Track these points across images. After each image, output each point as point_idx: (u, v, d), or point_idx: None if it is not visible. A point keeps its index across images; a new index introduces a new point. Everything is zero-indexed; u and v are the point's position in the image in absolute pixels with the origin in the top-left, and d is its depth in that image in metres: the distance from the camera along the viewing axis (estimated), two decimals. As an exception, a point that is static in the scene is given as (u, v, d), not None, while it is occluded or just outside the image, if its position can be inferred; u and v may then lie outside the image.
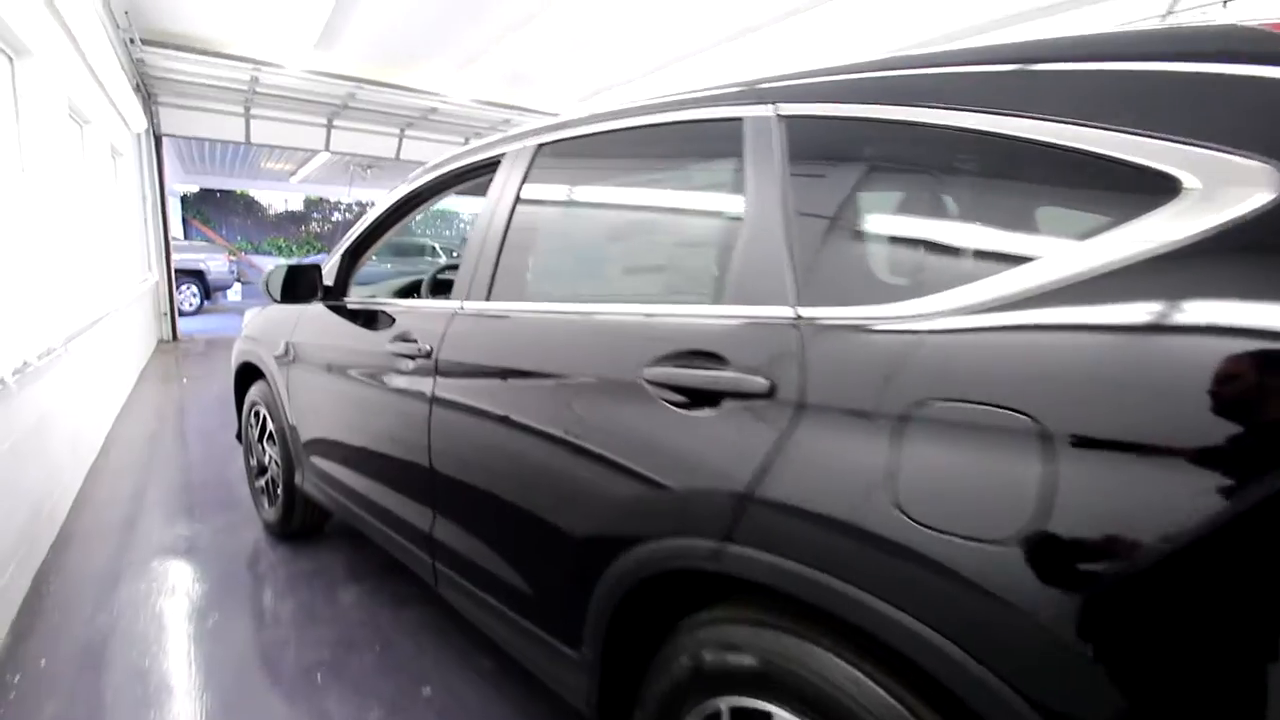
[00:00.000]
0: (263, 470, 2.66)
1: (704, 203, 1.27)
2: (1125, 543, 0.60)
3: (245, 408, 2.74)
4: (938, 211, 0.90)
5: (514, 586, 1.37)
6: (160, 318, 7.72)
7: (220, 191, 17.04)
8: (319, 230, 18.77)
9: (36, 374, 2.42)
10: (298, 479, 2.36)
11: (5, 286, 2.50)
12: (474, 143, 1.81)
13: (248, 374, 2.71)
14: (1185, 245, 0.63)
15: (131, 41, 5.27)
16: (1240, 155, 0.63)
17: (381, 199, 2.14)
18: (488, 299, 1.51)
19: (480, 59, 5.88)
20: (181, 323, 8.33)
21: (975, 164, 0.85)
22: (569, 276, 1.58)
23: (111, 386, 4.37)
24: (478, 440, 1.44)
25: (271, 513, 2.62)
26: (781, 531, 0.85)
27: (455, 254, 13.55)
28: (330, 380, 2.07)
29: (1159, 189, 0.67)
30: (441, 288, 2.73)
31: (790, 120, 1.03)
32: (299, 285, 2.07)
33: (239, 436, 2.88)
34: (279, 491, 2.51)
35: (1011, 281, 0.73)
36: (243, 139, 8.10)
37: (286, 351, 2.32)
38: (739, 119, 1.10)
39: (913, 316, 0.80)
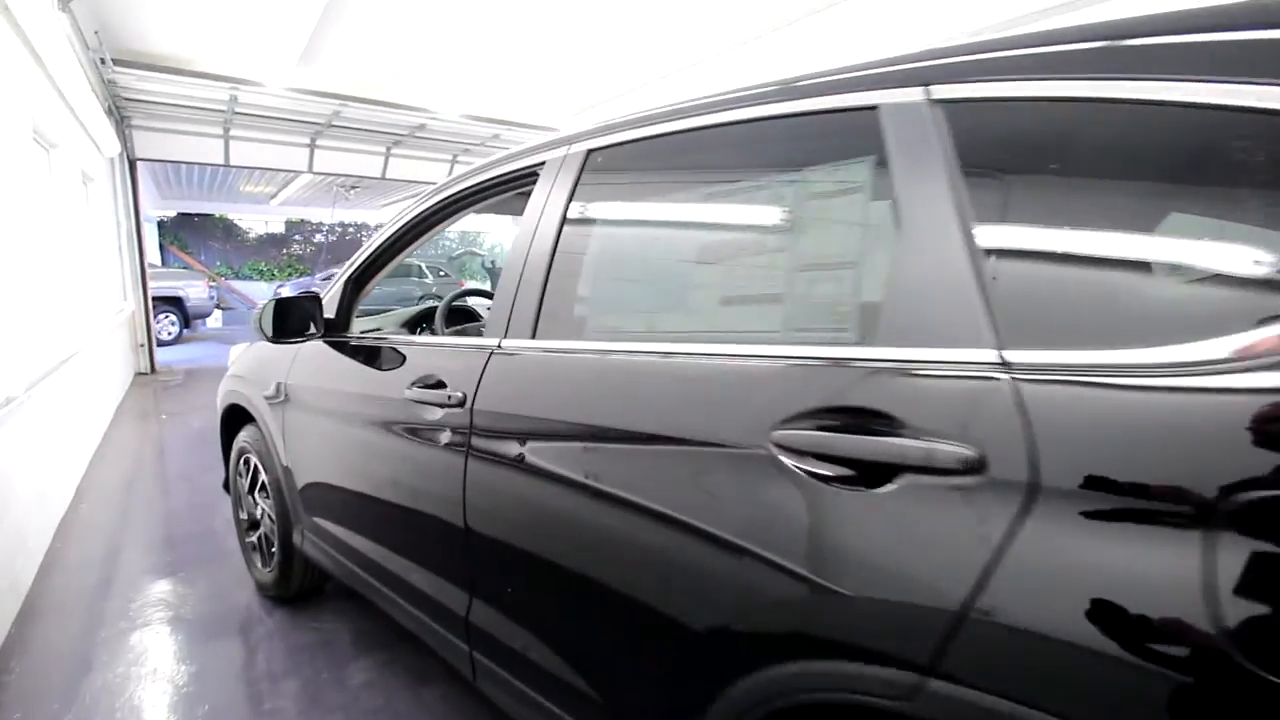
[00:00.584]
0: (254, 525, 2.36)
1: (823, 213, 1.00)
2: None
3: (234, 454, 2.43)
4: (1217, 215, 0.66)
5: (582, 692, 1.11)
6: (137, 349, 7.35)
7: (198, 215, 16.60)
8: (301, 252, 18.34)
9: (-7, 427, 2.13)
10: (296, 539, 2.08)
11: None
12: (498, 154, 1.57)
13: (236, 417, 2.41)
14: None
15: (103, 62, 5.01)
16: None
17: (388, 221, 1.88)
18: (533, 336, 1.26)
19: (470, 72, 5.67)
20: (160, 352, 7.96)
21: (1264, 153, 0.62)
22: (643, 309, 1.30)
23: (84, 428, 4.04)
24: (532, 508, 1.17)
25: (266, 574, 2.33)
26: (1028, 667, 0.61)
27: (442, 272, 13.22)
28: (335, 427, 1.79)
29: None
30: (457, 317, 2.47)
31: (951, 105, 0.80)
32: (297, 321, 1.79)
33: (226, 486, 2.58)
34: (274, 551, 2.22)
35: None
36: (222, 162, 7.80)
37: (278, 393, 2.04)
38: (873, 107, 0.87)
39: (1200, 364, 0.57)
